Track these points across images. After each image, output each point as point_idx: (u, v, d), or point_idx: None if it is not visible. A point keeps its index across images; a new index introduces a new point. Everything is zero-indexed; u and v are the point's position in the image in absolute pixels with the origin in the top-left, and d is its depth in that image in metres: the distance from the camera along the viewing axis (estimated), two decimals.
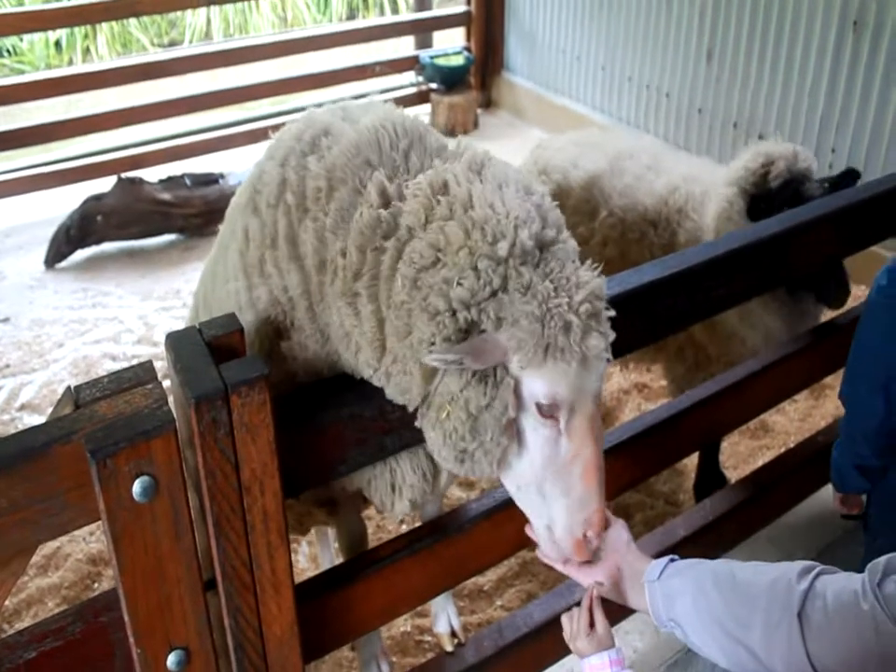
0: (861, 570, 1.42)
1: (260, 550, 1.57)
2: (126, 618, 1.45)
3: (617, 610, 2.53)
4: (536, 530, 1.71)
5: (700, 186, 3.17)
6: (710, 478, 3.58)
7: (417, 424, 1.64)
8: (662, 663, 2.69)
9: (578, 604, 1.74)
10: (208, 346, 1.50)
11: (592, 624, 1.69)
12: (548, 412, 1.55)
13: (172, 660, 1.52)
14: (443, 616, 2.49)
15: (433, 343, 1.52)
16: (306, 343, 1.78)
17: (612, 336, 1.56)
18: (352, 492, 2.01)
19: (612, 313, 1.57)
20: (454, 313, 1.51)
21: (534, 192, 1.64)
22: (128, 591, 1.43)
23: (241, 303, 1.83)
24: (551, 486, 1.61)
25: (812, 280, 2.77)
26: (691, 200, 3.16)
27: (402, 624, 3.22)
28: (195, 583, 1.49)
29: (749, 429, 4.08)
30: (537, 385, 1.53)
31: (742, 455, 3.96)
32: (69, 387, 1.46)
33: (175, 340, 1.51)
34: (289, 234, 1.74)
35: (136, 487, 1.35)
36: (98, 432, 1.33)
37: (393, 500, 1.92)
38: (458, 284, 1.51)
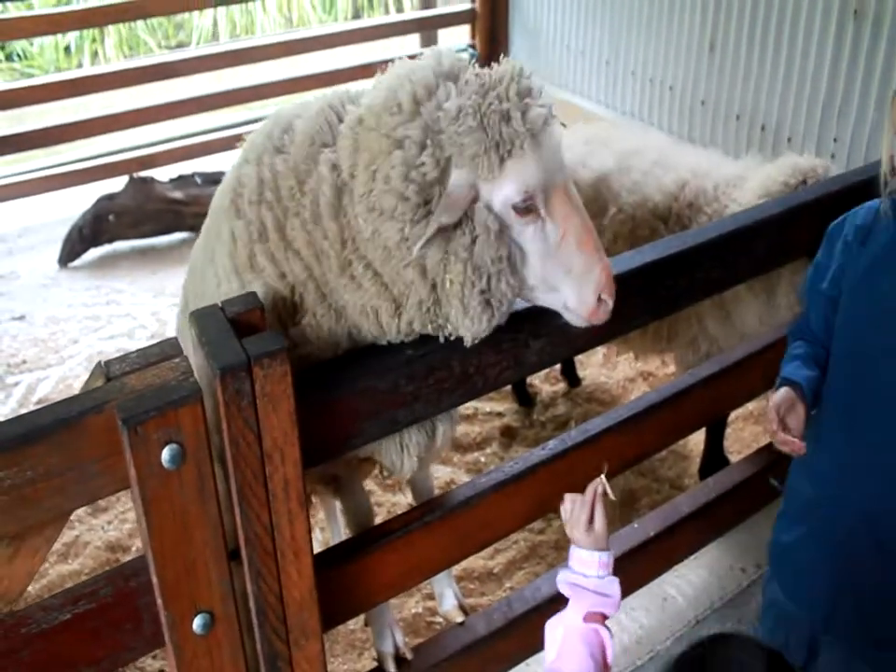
0: None
1: (281, 517, 1.64)
2: (154, 580, 1.52)
3: (625, 585, 2.62)
4: (558, 310, 1.79)
5: (711, 180, 3.21)
6: (715, 462, 3.64)
7: (443, 326, 1.74)
8: (668, 636, 2.76)
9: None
10: (230, 322, 1.58)
11: (590, 520, 1.74)
12: (523, 206, 1.62)
13: (197, 623, 1.59)
14: (448, 594, 2.57)
15: (406, 239, 1.60)
16: (320, 322, 1.84)
17: (550, 103, 1.63)
18: (360, 459, 2.07)
19: (537, 83, 1.65)
20: (403, 197, 1.59)
21: (426, 56, 1.72)
22: (156, 555, 1.50)
23: None
24: (555, 273, 1.69)
25: None
26: (702, 195, 3.19)
27: (413, 606, 3.29)
28: (220, 549, 1.57)
29: (752, 415, 4.15)
30: (506, 188, 1.61)
31: (746, 440, 4.02)
32: (99, 362, 1.54)
33: (199, 317, 1.59)
34: (277, 226, 1.80)
35: (165, 454, 1.42)
36: (129, 402, 1.40)
37: (402, 459, 2.00)
38: (392, 168, 1.58)
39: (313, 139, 1.78)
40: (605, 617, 1.72)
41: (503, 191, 1.62)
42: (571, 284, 1.71)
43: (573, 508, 1.77)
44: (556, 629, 1.71)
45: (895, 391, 1.94)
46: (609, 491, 1.79)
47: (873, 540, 2.02)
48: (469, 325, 1.71)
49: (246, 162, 1.89)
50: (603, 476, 1.78)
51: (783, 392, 2.04)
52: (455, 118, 1.58)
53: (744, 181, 3.10)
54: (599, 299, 1.72)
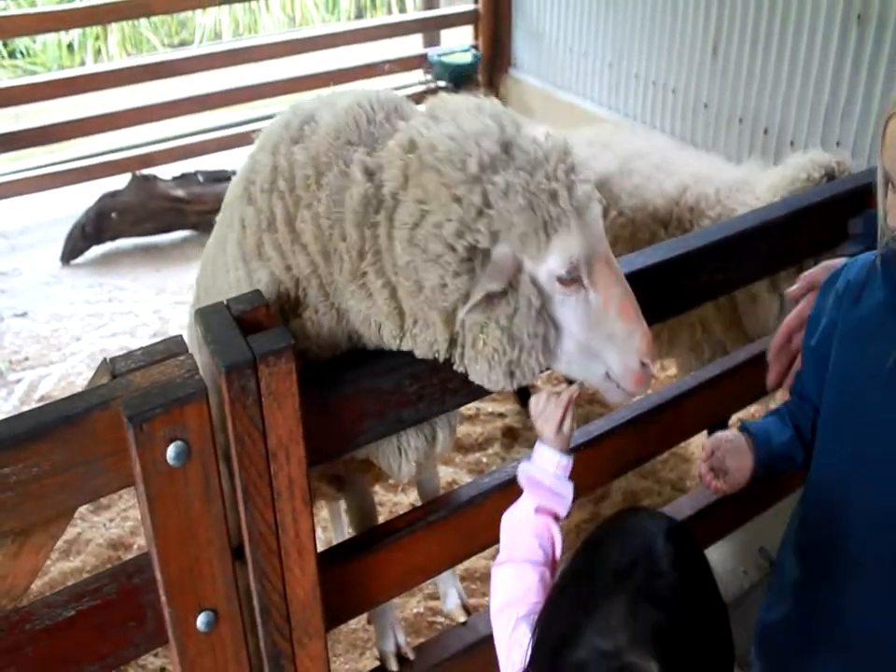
0: None
1: (286, 515, 1.64)
2: (158, 577, 1.52)
3: None
4: (595, 384, 1.81)
5: (712, 185, 3.21)
6: None
7: (456, 367, 1.76)
8: None
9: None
10: (235, 320, 1.58)
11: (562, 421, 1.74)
12: (569, 278, 1.65)
13: (201, 620, 1.59)
14: (452, 592, 2.57)
15: (445, 286, 1.62)
16: (321, 320, 1.83)
17: (592, 176, 1.68)
18: (360, 460, 2.07)
19: (580, 156, 1.69)
20: (452, 248, 1.60)
21: (484, 108, 1.73)
22: (161, 552, 1.50)
23: (243, 290, 1.85)
24: (596, 342, 1.72)
25: None
26: (703, 199, 3.20)
27: (415, 606, 3.29)
28: (224, 547, 1.57)
29: (753, 417, 4.14)
30: (551, 262, 1.64)
31: None
32: (105, 359, 1.54)
33: (204, 314, 1.59)
34: (287, 218, 1.79)
35: (170, 452, 1.42)
36: (135, 399, 1.41)
37: (400, 463, 2.00)
38: (448, 221, 1.59)
39: (338, 134, 1.76)
40: (557, 518, 1.73)
41: (548, 265, 1.65)
42: (614, 351, 1.73)
43: (546, 405, 1.75)
44: (507, 518, 1.73)
45: (889, 469, 1.73)
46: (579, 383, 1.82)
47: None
48: (486, 381, 1.76)
49: (262, 150, 1.88)
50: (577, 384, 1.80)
51: (731, 433, 1.93)
52: (505, 194, 1.60)
53: (748, 185, 3.10)
54: (641, 364, 1.74)
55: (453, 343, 1.71)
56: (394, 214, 1.66)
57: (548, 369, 1.78)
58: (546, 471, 1.73)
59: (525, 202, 1.59)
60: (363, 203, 1.68)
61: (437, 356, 1.75)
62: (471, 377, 1.77)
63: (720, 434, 1.93)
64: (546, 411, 1.74)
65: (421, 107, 1.89)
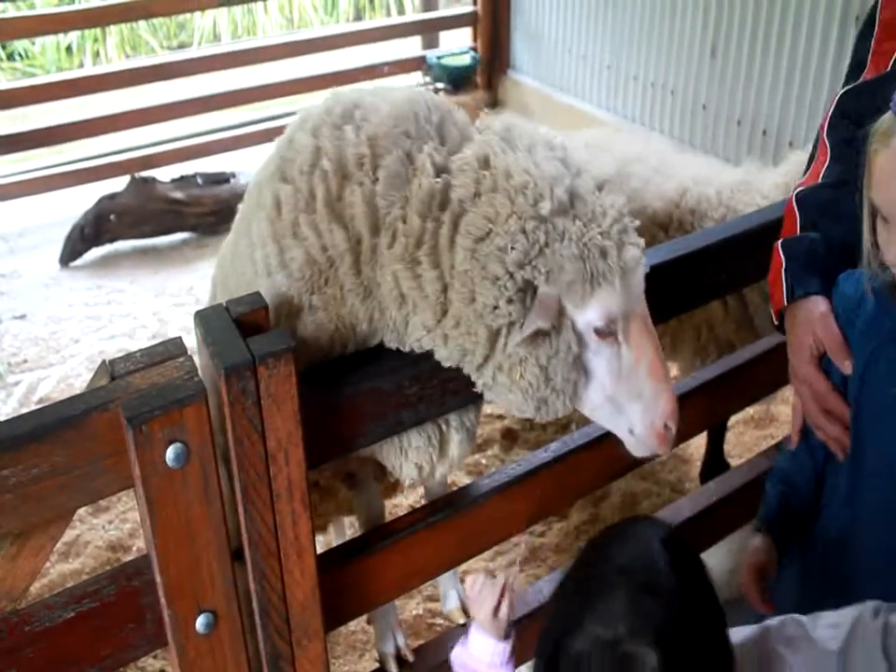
0: None
1: (285, 517, 1.64)
2: (158, 579, 1.52)
3: None
4: (619, 436, 1.85)
5: (713, 187, 3.22)
6: (715, 466, 3.64)
7: (479, 386, 1.80)
8: None
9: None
10: (235, 322, 1.58)
11: (497, 607, 1.71)
12: (606, 331, 1.70)
13: (201, 622, 1.59)
14: (452, 594, 2.56)
15: (496, 308, 1.67)
16: (346, 296, 1.82)
17: (642, 242, 1.73)
18: (365, 458, 2.07)
19: (637, 222, 1.73)
20: (511, 276, 1.65)
21: (556, 147, 1.79)
22: (160, 554, 1.50)
23: (270, 267, 1.85)
24: (623, 396, 1.77)
25: None
26: (705, 201, 3.20)
27: (414, 608, 3.29)
28: (223, 548, 1.57)
29: (753, 419, 4.15)
30: (591, 313, 1.69)
31: (747, 444, 4.02)
32: (104, 361, 1.54)
33: (203, 316, 1.59)
34: (328, 199, 1.78)
35: (169, 453, 1.42)
36: (134, 400, 1.41)
37: (401, 462, 2.00)
38: (512, 248, 1.65)
39: (397, 122, 1.79)
40: None
41: (587, 315, 1.69)
42: (639, 409, 1.77)
43: (482, 587, 1.73)
44: None
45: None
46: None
47: None
48: (512, 407, 1.82)
49: (301, 131, 1.87)
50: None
51: (760, 544, 1.91)
52: (562, 239, 1.66)
53: (749, 185, 3.10)
54: (665, 426, 1.78)
55: (486, 359, 1.75)
56: (459, 219, 1.70)
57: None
58: (480, 660, 1.71)
59: (578, 251, 1.65)
60: (429, 195, 1.71)
61: (463, 364, 1.78)
62: (494, 398, 1.82)
63: (754, 552, 1.89)
64: (482, 594, 1.72)
65: (476, 122, 1.94)
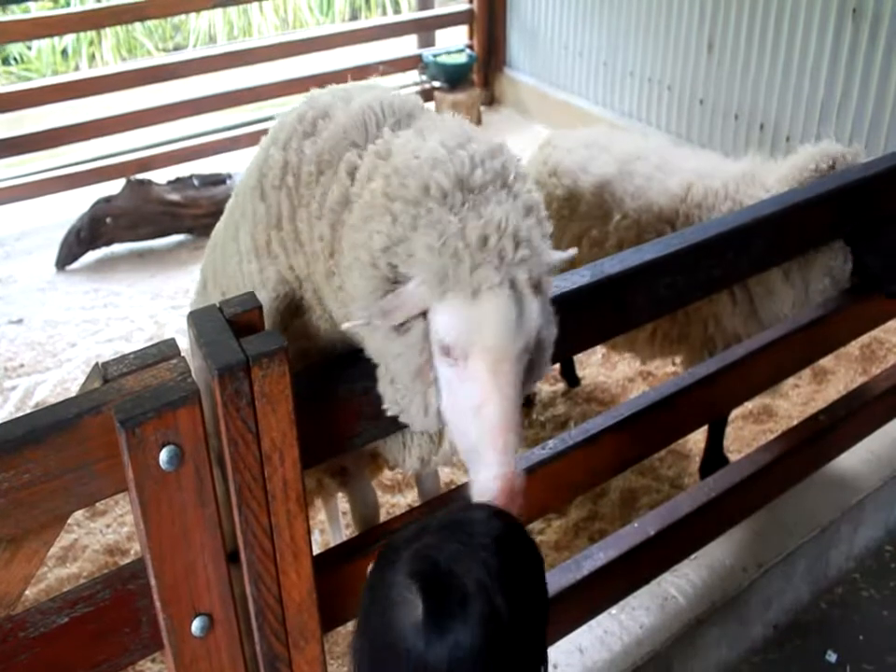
0: None
1: (280, 518, 1.63)
2: (153, 583, 1.51)
3: (625, 585, 2.61)
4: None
5: (718, 180, 3.21)
6: (715, 461, 3.64)
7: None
8: (669, 636, 2.75)
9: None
10: (228, 323, 1.57)
11: None
12: (449, 351, 1.54)
13: (196, 625, 1.58)
14: None
15: (367, 295, 1.57)
16: (317, 323, 1.83)
17: (521, 275, 1.50)
18: (366, 453, 2.07)
19: (523, 252, 1.51)
20: (374, 263, 1.54)
21: (474, 139, 1.62)
22: (154, 557, 1.49)
23: (255, 284, 1.88)
24: (462, 434, 1.60)
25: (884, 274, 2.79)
26: (712, 194, 3.19)
27: None
28: (218, 551, 1.56)
29: (752, 414, 4.14)
30: (438, 321, 1.52)
31: (746, 439, 4.01)
32: (97, 364, 1.52)
33: (197, 317, 1.58)
34: (292, 216, 1.78)
35: (163, 456, 1.41)
36: (127, 403, 1.39)
37: (405, 456, 1.98)
38: (377, 232, 1.54)
39: (346, 134, 1.73)
40: None
41: (437, 323, 1.54)
42: (474, 458, 1.57)
43: None
44: None
45: None
46: None
47: None
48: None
49: (274, 144, 1.86)
50: None
51: None
52: (430, 226, 1.51)
53: (754, 177, 3.10)
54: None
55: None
56: (350, 216, 1.64)
57: None
58: None
59: (438, 244, 1.48)
60: (340, 202, 1.66)
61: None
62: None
63: None
64: None
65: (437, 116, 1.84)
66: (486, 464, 1.54)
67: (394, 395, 1.65)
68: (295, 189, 1.78)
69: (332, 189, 1.69)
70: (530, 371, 1.65)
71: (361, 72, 7.41)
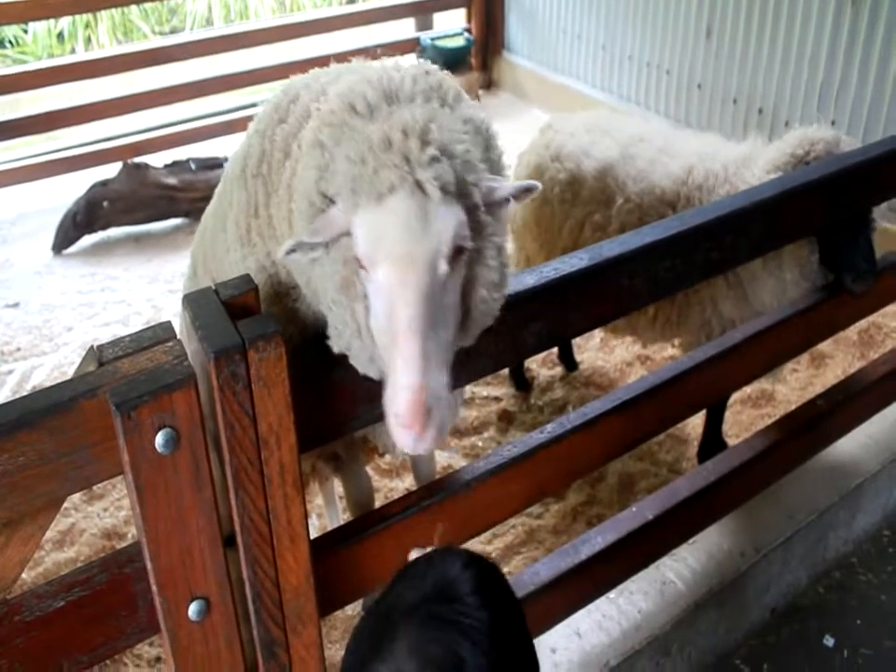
0: None
1: (277, 502, 1.63)
2: (149, 567, 1.51)
3: (623, 569, 2.61)
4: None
5: (718, 162, 3.20)
6: (713, 446, 3.63)
7: None
8: (667, 621, 2.75)
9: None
10: (224, 305, 1.55)
11: None
12: (362, 262, 1.50)
13: (193, 609, 1.58)
14: None
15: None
16: (296, 306, 1.82)
17: (427, 175, 1.44)
18: (357, 438, 2.06)
19: (431, 153, 1.45)
20: (311, 200, 1.53)
21: (423, 69, 1.65)
22: (151, 541, 1.48)
23: (239, 272, 1.85)
24: (383, 351, 1.54)
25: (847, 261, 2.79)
26: (712, 176, 3.18)
27: None
28: (215, 535, 1.55)
29: (750, 398, 4.14)
30: (356, 234, 1.49)
31: (744, 423, 4.01)
32: (92, 346, 1.52)
33: (192, 300, 1.57)
34: (266, 203, 1.78)
35: (159, 439, 1.40)
36: (122, 386, 1.39)
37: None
38: (310, 168, 1.53)
39: (309, 112, 1.70)
40: None
41: (354, 235, 1.51)
42: (390, 381, 1.51)
43: None
44: None
45: None
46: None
47: None
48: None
49: (256, 133, 1.86)
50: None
51: None
52: (352, 138, 1.49)
53: (752, 161, 3.09)
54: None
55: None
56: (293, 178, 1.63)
57: None
58: None
59: (354, 154, 1.45)
60: (293, 174, 1.65)
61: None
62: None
63: None
64: None
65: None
66: (394, 375, 1.48)
67: (333, 322, 1.59)
68: (268, 176, 1.77)
69: (287, 165, 1.69)
70: (469, 288, 1.57)
71: (358, 55, 7.32)
